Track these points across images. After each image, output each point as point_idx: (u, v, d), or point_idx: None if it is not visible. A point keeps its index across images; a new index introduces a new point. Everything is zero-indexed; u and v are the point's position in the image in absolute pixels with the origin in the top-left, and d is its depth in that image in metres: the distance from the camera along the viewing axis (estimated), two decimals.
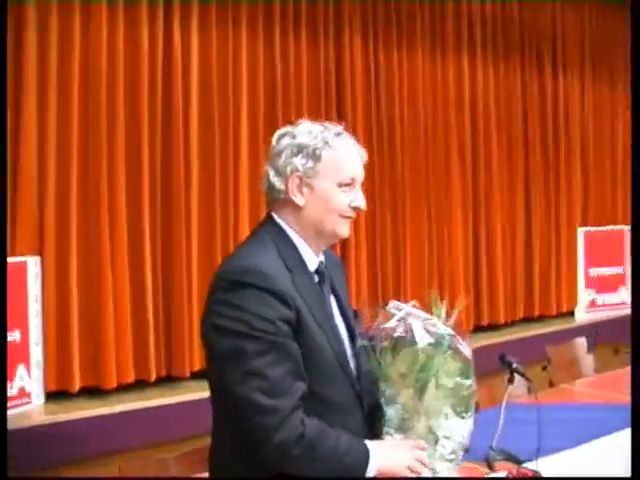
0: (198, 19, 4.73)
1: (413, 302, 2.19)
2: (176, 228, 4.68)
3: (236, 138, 4.92)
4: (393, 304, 2.17)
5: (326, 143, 2.12)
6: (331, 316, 2.19)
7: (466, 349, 2.12)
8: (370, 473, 2.04)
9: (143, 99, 4.53)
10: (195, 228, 4.75)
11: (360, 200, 2.17)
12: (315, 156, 2.10)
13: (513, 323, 6.45)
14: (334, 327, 2.18)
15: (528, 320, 6.59)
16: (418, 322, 2.10)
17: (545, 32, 6.62)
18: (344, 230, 2.18)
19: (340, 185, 2.12)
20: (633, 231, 1.89)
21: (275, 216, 2.17)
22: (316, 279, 2.18)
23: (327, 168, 2.11)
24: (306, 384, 2.02)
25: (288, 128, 2.18)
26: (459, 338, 2.11)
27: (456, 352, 2.09)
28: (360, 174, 2.18)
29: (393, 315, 2.13)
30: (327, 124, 2.20)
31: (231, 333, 1.98)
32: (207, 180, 4.80)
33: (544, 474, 2.86)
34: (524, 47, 6.49)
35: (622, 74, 7.17)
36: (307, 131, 2.14)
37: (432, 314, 2.15)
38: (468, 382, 2.11)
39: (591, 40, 6.97)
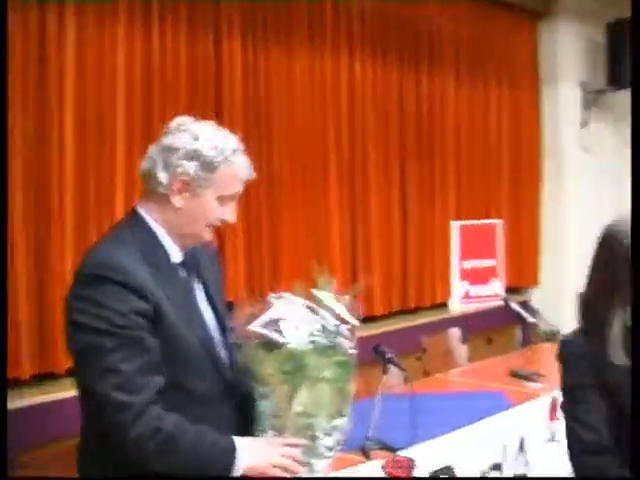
0: (74, 15, 4.61)
1: (288, 294, 2.18)
2: (50, 221, 4.56)
3: (111, 134, 4.82)
4: (273, 296, 2.16)
5: (225, 158, 2.09)
6: (196, 307, 2.17)
7: (348, 343, 2.11)
8: (238, 470, 2.01)
9: (15, 98, 4.38)
10: (70, 221, 4.63)
11: (231, 215, 2.17)
12: (211, 168, 2.08)
13: (389, 315, 6.54)
14: (200, 318, 2.16)
15: (404, 312, 6.71)
16: (291, 322, 2.09)
17: (422, 30, 6.73)
18: (208, 237, 2.18)
19: (220, 198, 2.12)
20: (633, 229, 1.98)
21: (141, 209, 2.14)
22: (182, 271, 2.17)
23: (217, 181, 2.09)
24: (164, 378, 1.99)
25: (189, 123, 2.14)
26: (344, 327, 2.11)
27: (338, 346, 2.09)
28: (241, 189, 2.18)
29: (271, 305, 2.12)
30: (227, 134, 2.15)
31: (87, 329, 1.95)
32: (82, 175, 4.68)
33: (419, 461, 2.94)
34: (402, 45, 6.59)
35: (496, 73, 7.38)
36: (209, 139, 2.09)
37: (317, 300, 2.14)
38: (347, 377, 2.12)
39: (467, 38, 7.13)
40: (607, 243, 2.06)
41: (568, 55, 7.66)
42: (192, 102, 5.16)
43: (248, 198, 5.25)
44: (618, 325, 1.96)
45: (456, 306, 6.86)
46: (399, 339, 5.57)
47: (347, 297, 2.18)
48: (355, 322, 2.15)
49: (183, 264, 2.16)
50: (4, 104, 3.49)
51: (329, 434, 2.09)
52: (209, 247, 2.36)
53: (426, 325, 6.30)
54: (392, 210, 6.60)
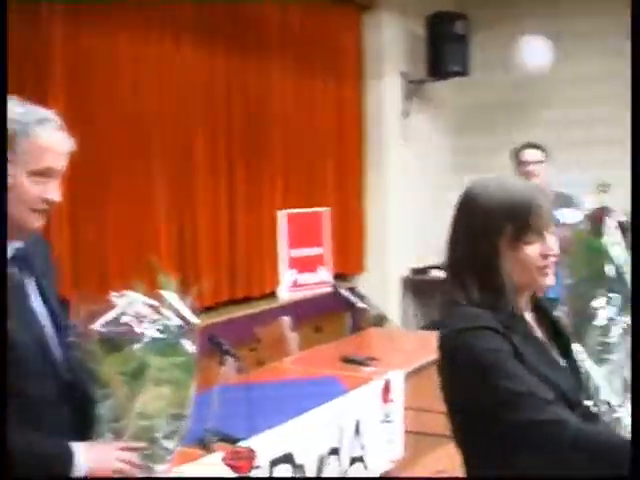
0: None
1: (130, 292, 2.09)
2: None
3: None
4: (114, 294, 2.06)
5: (24, 129, 1.96)
6: (29, 306, 2.05)
7: (190, 343, 2.06)
8: (76, 475, 1.93)
9: None
10: None
11: (53, 193, 2.02)
12: (9, 142, 1.95)
13: (217, 306, 6.46)
14: (33, 317, 2.04)
15: (233, 302, 6.66)
16: (134, 321, 2.01)
17: (249, 20, 6.67)
18: (36, 223, 2.03)
19: (32, 175, 1.97)
20: (633, 227, 1.92)
21: None
22: (12, 266, 2.02)
23: (20, 156, 1.96)
24: None
25: None
26: (186, 327, 2.05)
27: (180, 346, 2.03)
28: (59, 165, 2.03)
29: (113, 304, 2.02)
30: (33, 107, 2.04)
31: None
32: None
33: (259, 451, 2.92)
34: (229, 36, 6.48)
35: (322, 64, 7.41)
36: (8, 111, 1.98)
37: (160, 299, 2.06)
38: (189, 378, 2.06)
39: (294, 30, 7.10)
40: (466, 207, 1.86)
41: (390, 47, 7.83)
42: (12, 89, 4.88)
43: (71, 191, 5.03)
44: (506, 283, 1.79)
45: (285, 294, 6.90)
46: (231, 330, 5.53)
47: (189, 296, 2.13)
48: (197, 321, 2.10)
49: (14, 259, 2.03)
50: (4, 103, 3.25)
51: (169, 437, 2.04)
52: (41, 238, 2.23)
53: (257, 315, 6.28)
54: (219, 200, 6.52)
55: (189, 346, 2.05)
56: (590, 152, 7.62)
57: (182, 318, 2.06)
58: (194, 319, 2.08)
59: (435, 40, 7.57)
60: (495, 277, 1.78)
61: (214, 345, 3.21)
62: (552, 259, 1.80)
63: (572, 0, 8.00)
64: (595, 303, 2.14)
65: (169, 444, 2.04)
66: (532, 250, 1.78)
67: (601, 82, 7.92)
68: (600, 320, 2.14)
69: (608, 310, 2.14)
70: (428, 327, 8.21)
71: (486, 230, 1.79)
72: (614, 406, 2.14)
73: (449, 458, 4.76)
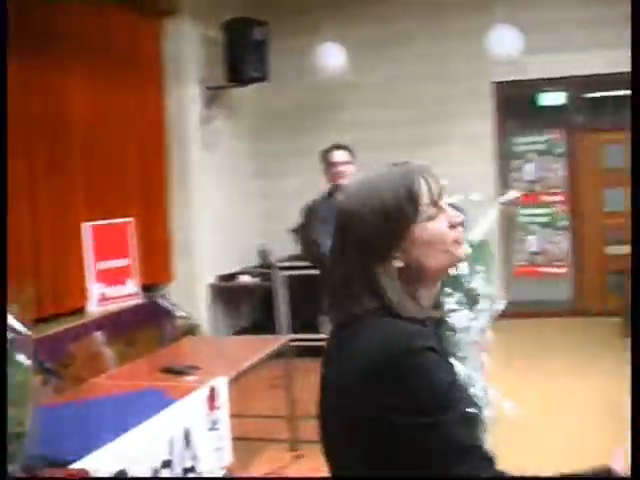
0: None
1: None
2: None
3: None
4: None
5: None
6: None
7: (24, 357, 1.97)
8: None
9: None
10: None
11: None
12: None
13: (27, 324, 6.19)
14: None
15: (42, 320, 6.40)
16: None
17: (46, 27, 6.43)
18: None
19: None
20: (634, 230, 1.88)
21: None
22: None
23: None
24: None
25: None
26: (19, 339, 1.97)
27: (13, 359, 1.94)
28: None
29: None
30: None
31: None
32: None
33: (92, 471, 2.84)
34: (23, 43, 6.21)
35: (121, 72, 7.26)
36: None
37: None
38: (27, 393, 1.98)
39: (89, 38, 6.93)
40: (350, 220, 1.61)
41: (190, 54, 7.79)
42: None
43: None
44: (396, 291, 1.57)
45: (94, 309, 6.72)
46: (42, 347, 5.31)
47: (15, 306, 2.04)
48: (27, 332, 2.02)
49: None
50: (4, 104, 2.91)
51: (12, 459, 1.96)
52: None
53: (69, 331, 6.06)
54: (21, 216, 6.24)
55: (24, 359, 1.97)
56: (394, 153, 7.92)
57: (13, 330, 1.98)
58: (26, 330, 2.00)
59: (233, 46, 7.59)
60: (395, 277, 1.58)
61: (37, 364, 3.08)
62: (461, 228, 1.62)
63: (370, 7, 8.29)
64: (444, 303, 2.24)
65: (12, 467, 1.95)
66: (438, 224, 1.60)
67: (407, 84, 8.29)
68: (450, 319, 2.24)
69: (454, 308, 2.24)
70: (240, 332, 8.29)
71: (382, 229, 1.58)
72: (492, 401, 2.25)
73: (273, 461, 4.84)
